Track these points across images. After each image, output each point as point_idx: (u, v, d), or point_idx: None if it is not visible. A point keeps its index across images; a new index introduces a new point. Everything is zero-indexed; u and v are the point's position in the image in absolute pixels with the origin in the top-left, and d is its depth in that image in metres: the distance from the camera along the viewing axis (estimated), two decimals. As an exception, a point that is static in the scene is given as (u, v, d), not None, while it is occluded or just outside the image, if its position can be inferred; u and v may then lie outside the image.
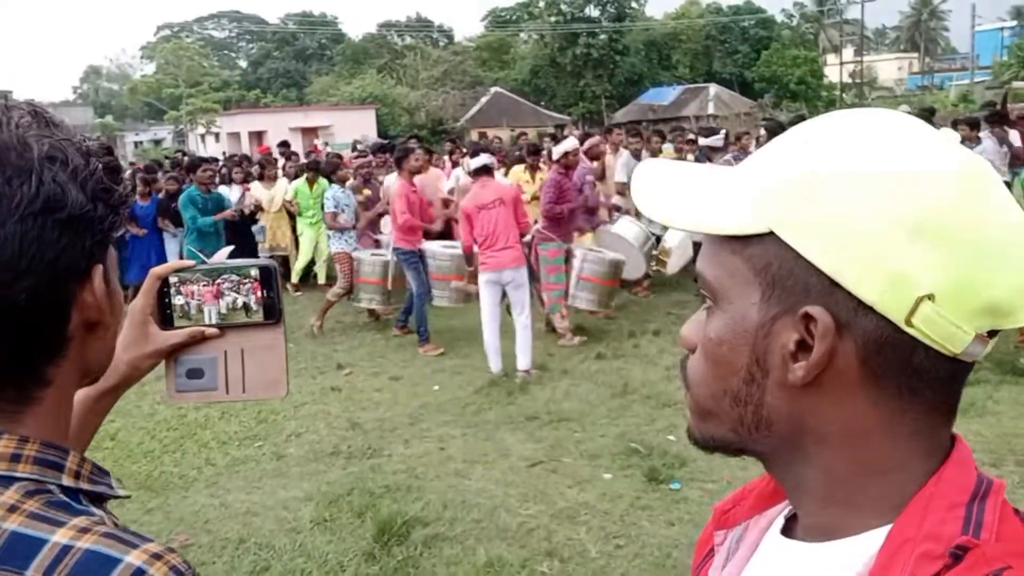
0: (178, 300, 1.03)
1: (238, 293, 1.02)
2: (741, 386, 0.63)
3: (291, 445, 5.36)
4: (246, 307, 1.03)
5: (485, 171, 6.26)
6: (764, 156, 0.65)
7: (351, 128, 30.93)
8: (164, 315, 1.04)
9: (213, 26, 62.05)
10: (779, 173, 0.62)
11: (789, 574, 0.66)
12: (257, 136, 34.14)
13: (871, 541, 0.60)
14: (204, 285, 1.03)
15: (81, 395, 1.00)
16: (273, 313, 1.02)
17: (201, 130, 38.61)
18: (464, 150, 11.15)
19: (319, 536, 4.13)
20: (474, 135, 29.66)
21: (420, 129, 36.81)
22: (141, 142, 41.01)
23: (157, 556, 0.71)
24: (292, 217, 10.54)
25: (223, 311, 1.03)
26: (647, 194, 0.68)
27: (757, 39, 48.65)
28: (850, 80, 46.76)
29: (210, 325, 1.03)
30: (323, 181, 9.82)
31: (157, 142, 39.48)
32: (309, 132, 33.00)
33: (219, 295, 1.02)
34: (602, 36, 45.64)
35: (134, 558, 0.69)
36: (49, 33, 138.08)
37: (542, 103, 43.54)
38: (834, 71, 48.63)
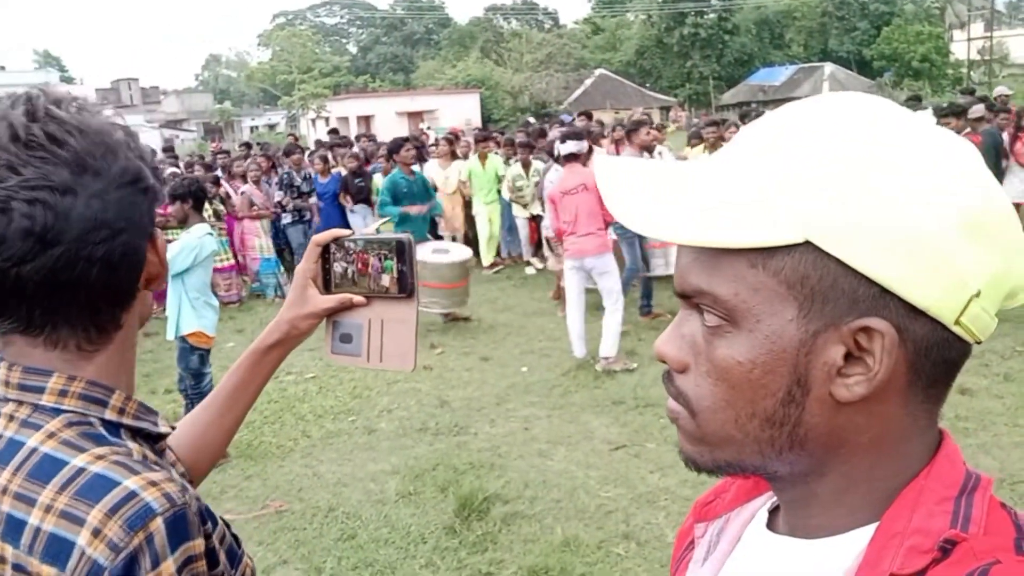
0: (337, 267, 1.11)
1: (380, 265, 1.07)
2: (778, 408, 0.58)
3: (382, 420, 5.54)
4: (384, 280, 1.08)
5: (574, 158, 6.24)
6: (775, 152, 0.57)
7: (455, 112, 31.30)
8: (325, 280, 1.12)
9: (325, 13, 63.81)
10: (806, 173, 0.55)
11: (777, 569, 0.65)
12: (365, 120, 34.98)
13: (861, 537, 0.59)
14: (355, 255, 1.09)
15: (249, 350, 1.16)
16: (405, 287, 1.06)
17: (312, 115, 39.85)
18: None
19: (403, 508, 4.26)
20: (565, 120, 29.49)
21: (523, 112, 36.93)
22: (256, 126, 42.69)
23: (153, 483, 0.79)
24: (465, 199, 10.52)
25: (369, 281, 1.09)
26: (630, 204, 0.60)
27: (878, 15, 46.43)
28: (979, 57, 44.01)
29: (359, 293, 1.10)
30: (495, 159, 9.93)
31: (271, 126, 41.05)
32: (415, 116, 33.57)
33: (366, 266, 1.08)
34: (711, 15, 44.52)
35: (131, 482, 0.79)
36: (174, 23, 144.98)
37: (647, 85, 42.88)
38: (961, 48, 45.86)
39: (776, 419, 0.59)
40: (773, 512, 0.70)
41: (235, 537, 0.97)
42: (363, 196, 10.09)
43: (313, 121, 39.96)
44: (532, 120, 18.52)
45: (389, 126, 29.78)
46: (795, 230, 0.55)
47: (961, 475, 0.59)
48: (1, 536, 0.80)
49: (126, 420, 0.90)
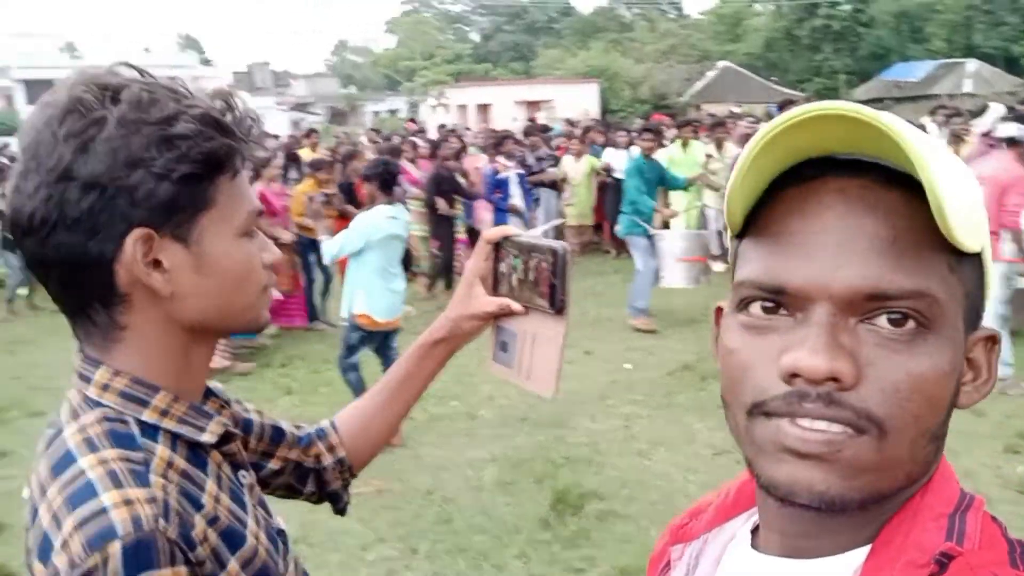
0: (502, 268, 1.04)
1: (536, 274, 0.98)
2: (942, 421, 0.57)
3: (483, 407, 5.59)
4: (537, 290, 0.98)
5: (1015, 143, 5.30)
6: (944, 163, 0.55)
7: (573, 102, 31.17)
8: (494, 280, 1.05)
9: (451, 1, 64.70)
10: (967, 190, 0.56)
11: None
12: (483, 108, 35.32)
13: (856, 557, 0.59)
14: (518, 258, 1.01)
15: (416, 344, 1.16)
16: (555, 302, 0.97)
17: (432, 101, 40.56)
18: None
19: (499, 497, 4.30)
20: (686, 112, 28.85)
21: (642, 104, 36.41)
22: (379, 112, 43.79)
23: (127, 502, 0.76)
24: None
25: (526, 289, 1.00)
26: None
27: (1030, 8, 43.26)
28: None
29: (518, 300, 1.02)
30: (698, 144, 9.64)
31: (393, 111, 41.98)
32: (533, 105, 33.64)
33: (524, 271, 1.00)
34: (845, 7, 42.64)
35: (107, 497, 0.76)
36: (308, 9, 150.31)
37: (773, 78, 41.51)
38: (1126, 45, 42.22)
39: (939, 434, 0.58)
40: (754, 532, 0.68)
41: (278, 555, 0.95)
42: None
43: (433, 108, 40.68)
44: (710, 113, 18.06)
45: (507, 115, 29.96)
46: (979, 239, 0.57)
47: (956, 494, 0.60)
48: (30, 518, 0.82)
49: (166, 423, 0.88)
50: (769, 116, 14.24)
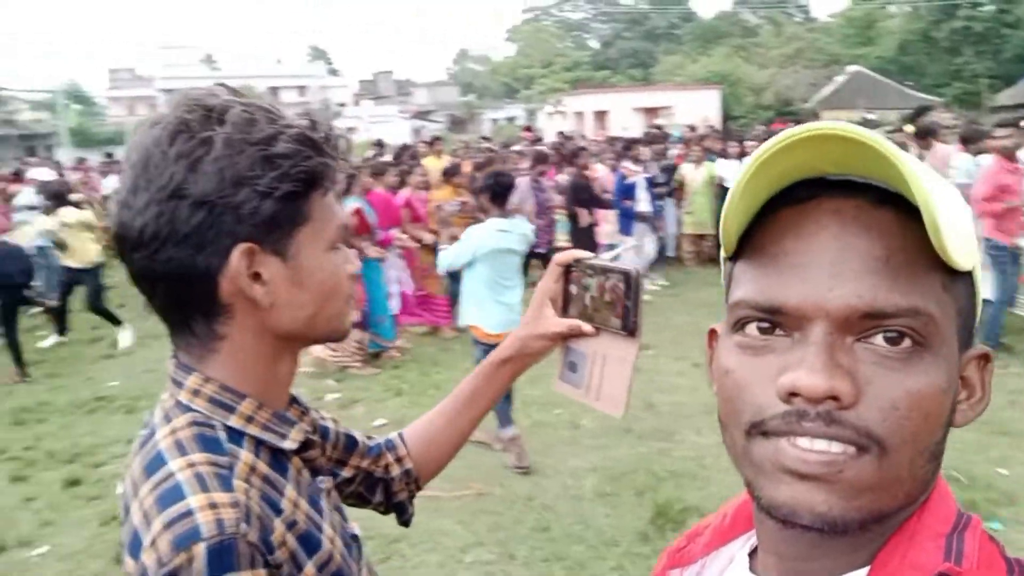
0: (573, 289, 1.06)
1: (608, 296, 1.01)
2: (940, 439, 0.57)
3: (586, 416, 5.56)
4: (610, 312, 1.00)
5: None
6: (936, 184, 0.55)
7: (693, 108, 30.64)
8: (564, 301, 1.08)
9: (571, 8, 64.84)
10: (958, 210, 0.57)
11: None
12: (599, 115, 35.22)
13: None
14: (589, 281, 1.03)
15: (485, 362, 1.19)
16: (628, 324, 0.99)
17: (549, 109, 40.74)
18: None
19: (598, 507, 4.26)
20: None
21: (765, 110, 35.41)
22: (497, 119, 44.36)
23: (212, 505, 0.79)
24: None
25: (597, 311, 1.02)
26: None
27: None
28: None
29: (588, 321, 1.04)
30: None
31: (511, 119, 42.45)
32: (651, 112, 33.29)
33: (597, 293, 1.02)
34: (988, 7, 40.17)
35: (194, 500, 0.79)
36: (431, 19, 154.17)
37: (908, 83, 39.55)
38: None
39: (937, 452, 0.57)
40: (752, 555, 0.68)
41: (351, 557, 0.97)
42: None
43: (550, 115, 40.86)
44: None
45: (625, 122, 29.75)
46: (971, 259, 0.57)
47: (953, 514, 0.59)
48: (124, 514, 0.87)
49: (251, 429, 0.91)
50: (903, 122, 13.55)
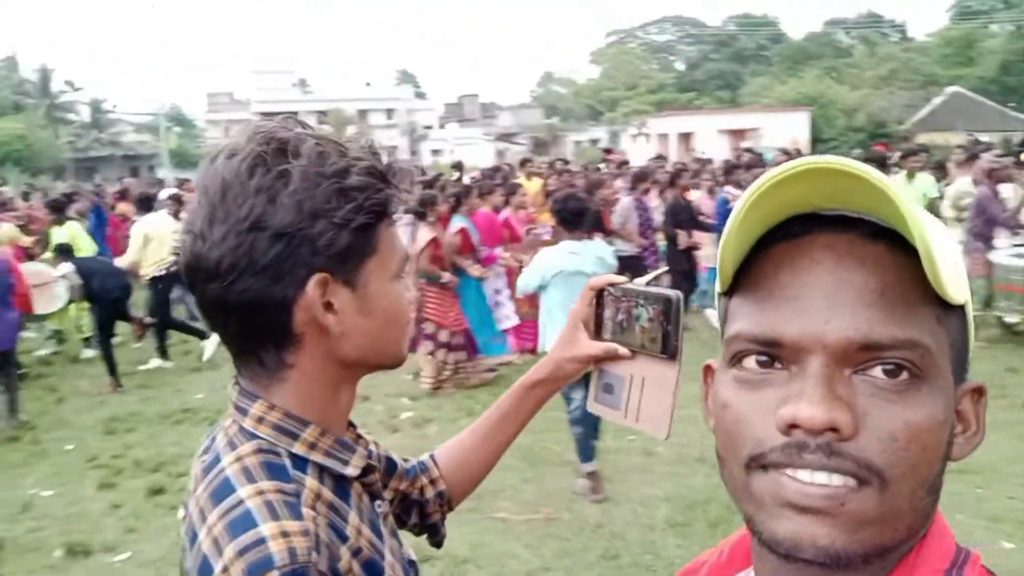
0: (607, 314, 1.09)
1: (646, 320, 1.03)
2: (938, 472, 0.57)
3: (660, 444, 5.44)
4: (649, 336, 1.03)
5: None
6: (928, 218, 0.57)
7: (781, 131, 30.04)
8: (597, 325, 1.11)
9: (656, 31, 64.65)
10: (949, 245, 0.58)
11: None
12: (684, 137, 34.88)
13: None
14: (623, 305, 1.06)
15: (516, 385, 1.20)
16: (668, 348, 1.00)
17: (633, 131, 40.59)
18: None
19: (670, 537, 4.16)
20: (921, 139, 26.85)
21: (857, 132, 34.44)
22: (580, 141, 44.41)
23: (284, 534, 0.80)
24: None
25: (634, 335, 1.05)
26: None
27: None
28: None
29: (624, 345, 1.06)
30: (924, 177, 8.95)
31: (594, 141, 42.43)
32: (737, 134, 32.80)
33: (634, 318, 1.05)
34: (1100, 24, 38.18)
35: (265, 528, 0.80)
36: (514, 42, 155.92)
37: (1011, 104, 37.86)
38: None
39: (936, 485, 0.57)
40: None
41: None
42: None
43: (634, 137, 40.70)
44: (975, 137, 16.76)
45: (710, 144, 29.39)
46: (963, 293, 0.58)
47: (952, 548, 0.59)
48: (188, 541, 0.87)
49: (315, 456, 0.92)
50: (1007, 144, 12.95)
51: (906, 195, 0.52)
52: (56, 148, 43.93)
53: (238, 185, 0.87)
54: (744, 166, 10.88)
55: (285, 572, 0.78)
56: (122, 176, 29.45)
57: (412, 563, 1.05)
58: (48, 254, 8.28)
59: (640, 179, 9.07)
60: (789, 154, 11.43)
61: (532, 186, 10.11)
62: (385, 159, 0.96)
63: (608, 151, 18.30)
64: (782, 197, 0.56)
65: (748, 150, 17.44)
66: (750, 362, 0.58)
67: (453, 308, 7.03)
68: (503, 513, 4.60)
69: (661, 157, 16.63)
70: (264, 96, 50.70)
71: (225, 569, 0.78)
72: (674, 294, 0.99)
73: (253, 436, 0.91)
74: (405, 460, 1.23)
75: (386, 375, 5.41)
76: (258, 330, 0.90)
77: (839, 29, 55.62)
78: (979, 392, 0.61)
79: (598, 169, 13.58)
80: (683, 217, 8.57)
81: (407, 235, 6.71)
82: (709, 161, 14.86)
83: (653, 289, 1.03)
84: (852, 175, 0.52)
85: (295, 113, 0.98)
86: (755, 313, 0.58)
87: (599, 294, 1.10)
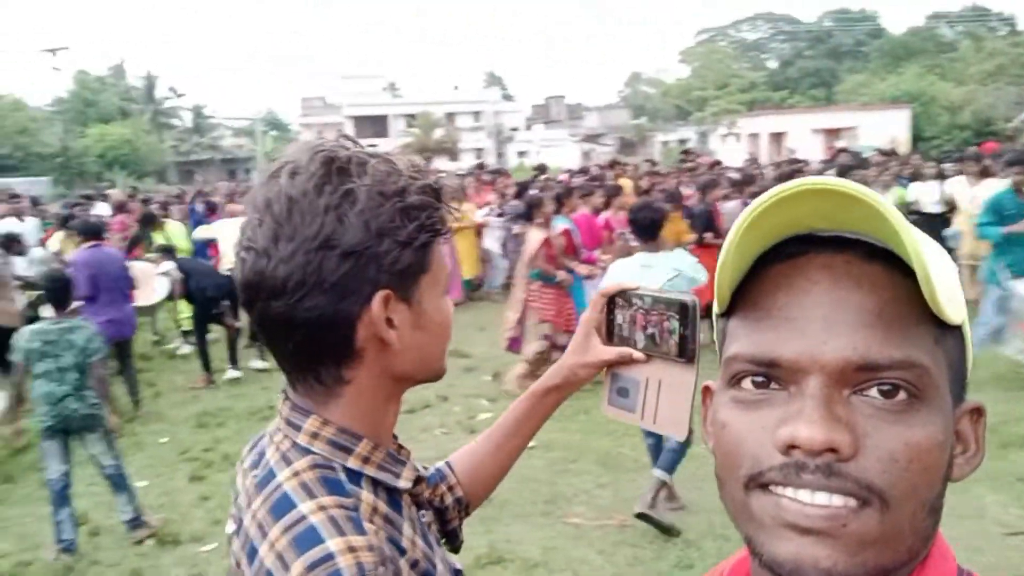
0: (620, 320, 1.12)
1: (662, 325, 1.05)
2: (939, 493, 0.57)
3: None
4: (666, 340, 1.05)
5: None
6: (923, 239, 0.57)
7: (878, 129, 28.96)
8: (608, 331, 1.14)
9: (748, 28, 63.30)
10: (946, 265, 0.58)
11: None
12: (776, 137, 34.02)
13: None
14: (637, 311, 1.09)
15: (528, 391, 1.23)
16: (685, 352, 1.02)
17: (723, 131, 39.83)
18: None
19: (746, 550, 4.06)
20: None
21: (962, 130, 32.93)
22: (668, 142, 43.85)
23: (351, 549, 0.81)
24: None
25: (649, 339, 1.07)
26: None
27: None
28: None
29: (639, 349, 1.09)
30: None
31: (682, 141, 41.83)
32: (831, 133, 31.79)
33: (647, 323, 1.07)
34: None
35: (332, 544, 0.81)
36: (601, 42, 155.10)
37: None
38: None
39: (937, 506, 0.57)
40: None
41: None
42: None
43: (723, 137, 39.95)
44: None
45: (803, 144, 28.57)
46: (960, 313, 0.58)
47: (953, 571, 0.59)
48: (246, 555, 0.88)
49: (368, 470, 0.93)
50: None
51: (900, 215, 0.52)
52: (160, 152, 46.08)
53: (306, 203, 0.87)
54: (846, 167, 10.51)
55: None
56: (221, 179, 30.59)
57: (458, 572, 1.05)
58: (152, 254, 8.69)
59: (747, 182, 8.90)
60: (887, 154, 10.99)
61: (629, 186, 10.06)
62: (433, 178, 0.97)
63: (687, 152, 17.90)
64: (779, 218, 0.56)
65: (843, 150, 16.87)
66: (747, 383, 0.58)
67: (566, 308, 7.00)
68: (577, 518, 4.58)
69: (754, 159, 16.21)
70: (355, 100, 51.93)
71: None
72: (690, 299, 1.01)
73: (307, 451, 0.91)
74: (425, 468, 1.24)
75: (467, 376, 5.51)
76: (321, 347, 0.91)
77: (942, 23, 53.25)
78: (978, 412, 0.61)
79: (715, 166, 13.25)
80: None
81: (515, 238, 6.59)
82: (805, 162, 14.46)
83: (668, 294, 1.04)
84: (848, 195, 0.52)
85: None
86: (753, 334, 0.58)
87: (610, 300, 1.12)
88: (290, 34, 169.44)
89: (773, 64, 59.74)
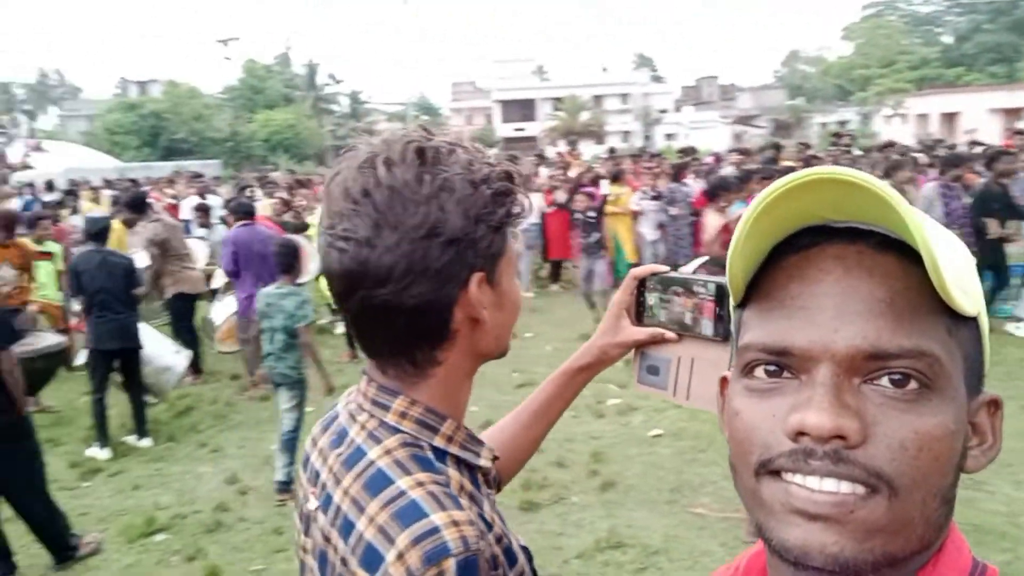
0: (651, 301, 1.16)
1: (696, 306, 1.09)
2: (951, 483, 0.57)
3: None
4: (699, 321, 1.08)
5: None
6: (935, 229, 0.58)
7: (1067, 108, 26.38)
8: (639, 312, 1.18)
9: (920, 1, 59.09)
10: (959, 255, 0.58)
11: None
12: (948, 118, 31.68)
13: None
14: (672, 292, 1.12)
15: (559, 371, 1.26)
16: (719, 331, 1.05)
17: (888, 111, 37.47)
18: None
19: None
20: None
21: None
22: (826, 123, 41.73)
23: (455, 523, 0.84)
24: None
25: (681, 320, 1.11)
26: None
27: None
28: None
29: (671, 329, 1.13)
30: None
31: (842, 123, 39.67)
32: (1011, 113, 29.27)
33: (680, 304, 1.11)
34: None
35: (437, 518, 0.84)
36: (755, 21, 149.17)
37: None
38: None
39: (949, 496, 0.57)
40: None
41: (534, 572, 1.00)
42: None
43: (888, 118, 37.59)
44: None
45: (979, 125, 26.47)
46: (975, 304, 0.58)
47: (968, 563, 0.59)
48: (338, 530, 0.92)
49: (452, 448, 0.96)
50: None
51: (911, 206, 0.52)
52: (319, 136, 48.47)
53: (408, 193, 0.90)
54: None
55: (460, 560, 0.82)
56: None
57: (525, 548, 1.08)
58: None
59: (951, 164, 8.27)
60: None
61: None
62: (507, 164, 1.00)
63: (838, 135, 16.89)
64: (789, 209, 0.57)
65: (1019, 131, 15.47)
66: (760, 371, 0.59)
67: None
68: (701, 508, 4.51)
69: (939, 140, 15.04)
70: (504, 84, 52.54)
71: (400, 556, 0.82)
72: (724, 280, 1.00)
73: (396, 430, 0.95)
74: None
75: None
76: (420, 331, 0.94)
77: None
78: (995, 405, 0.61)
79: (902, 151, 12.54)
80: (995, 205, 7.62)
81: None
82: (984, 145, 13.36)
83: (702, 276, 1.08)
84: (857, 186, 0.53)
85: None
86: (766, 323, 0.59)
87: (641, 283, 1.15)
88: (442, 21, 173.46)
89: (948, 39, 55.50)
